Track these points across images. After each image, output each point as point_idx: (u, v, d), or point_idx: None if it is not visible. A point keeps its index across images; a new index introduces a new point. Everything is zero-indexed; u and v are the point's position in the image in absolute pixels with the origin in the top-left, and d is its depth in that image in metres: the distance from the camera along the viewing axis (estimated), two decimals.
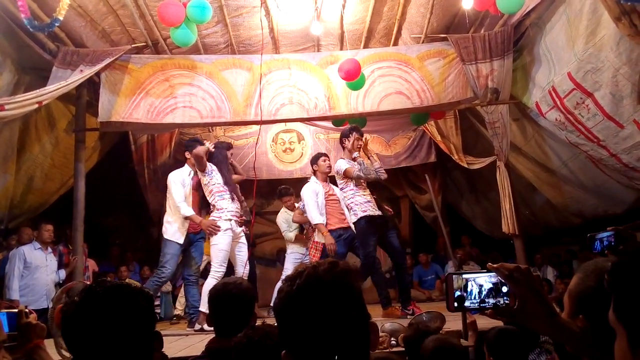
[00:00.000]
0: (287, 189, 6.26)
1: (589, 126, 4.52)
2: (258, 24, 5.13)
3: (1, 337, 1.58)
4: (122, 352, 1.10)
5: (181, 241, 4.85)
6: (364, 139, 5.15)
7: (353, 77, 4.95)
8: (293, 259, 5.91)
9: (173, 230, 4.85)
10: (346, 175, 4.95)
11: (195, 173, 4.94)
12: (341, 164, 5.00)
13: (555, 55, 4.73)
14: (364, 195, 4.95)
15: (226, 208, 4.70)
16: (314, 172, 5.39)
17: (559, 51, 4.67)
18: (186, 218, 4.80)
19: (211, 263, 4.66)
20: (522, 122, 5.76)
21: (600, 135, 4.50)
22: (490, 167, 5.89)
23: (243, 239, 4.90)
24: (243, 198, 6.08)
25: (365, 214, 4.84)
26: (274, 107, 5.30)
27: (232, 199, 4.78)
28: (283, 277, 6.16)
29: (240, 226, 4.85)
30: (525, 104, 5.27)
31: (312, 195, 5.19)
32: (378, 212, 4.94)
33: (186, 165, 5.08)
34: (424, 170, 7.74)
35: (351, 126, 5.27)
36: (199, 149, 4.69)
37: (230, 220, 4.68)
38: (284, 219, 6.12)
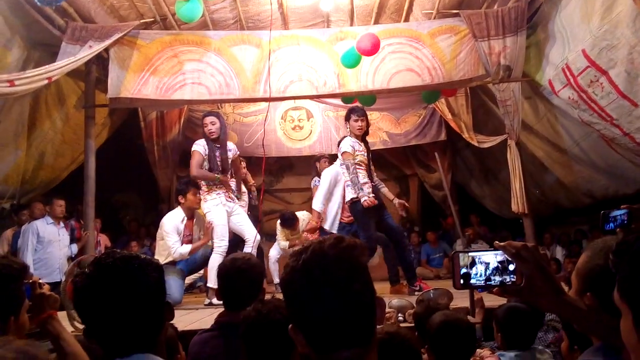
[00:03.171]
0: (292, 218, 6.16)
1: (603, 105, 4.44)
2: (267, 0, 5.07)
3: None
4: (133, 322, 1.12)
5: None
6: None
7: (374, 51, 4.88)
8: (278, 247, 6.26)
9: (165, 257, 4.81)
10: (342, 156, 4.78)
11: (189, 218, 4.87)
12: (344, 144, 4.80)
13: (570, 31, 4.63)
14: (364, 176, 4.72)
15: (210, 187, 4.68)
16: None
17: (573, 28, 4.57)
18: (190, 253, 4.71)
19: (212, 240, 4.69)
20: (534, 100, 5.68)
21: (613, 114, 4.43)
22: (501, 146, 5.84)
23: (239, 209, 4.90)
24: (253, 182, 6.15)
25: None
26: (283, 84, 5.26)
27: (218, 186, 4.72)
28: (272, 260, 6.26)
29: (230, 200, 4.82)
30: (537, 82, 5.19)
31: (330, 180, 5.18)
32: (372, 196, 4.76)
33: (179, 209, 4.89)
34: (433, 149, 7.69)
35: (350, 108, 5.10)
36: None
37: (219, 195, 4.65)
38: (283, 238, 6.24)
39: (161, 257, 4.71)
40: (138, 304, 1.13)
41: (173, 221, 4.79)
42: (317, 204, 5.25)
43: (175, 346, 1.95)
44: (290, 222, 6.13)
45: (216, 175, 4.66)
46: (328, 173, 5.34)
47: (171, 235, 4.72)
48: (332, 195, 5.32)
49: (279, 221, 6.28)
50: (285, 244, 6.15)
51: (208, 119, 4.79)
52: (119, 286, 1.13)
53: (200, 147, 4.70)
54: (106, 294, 1.12)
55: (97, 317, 1.13)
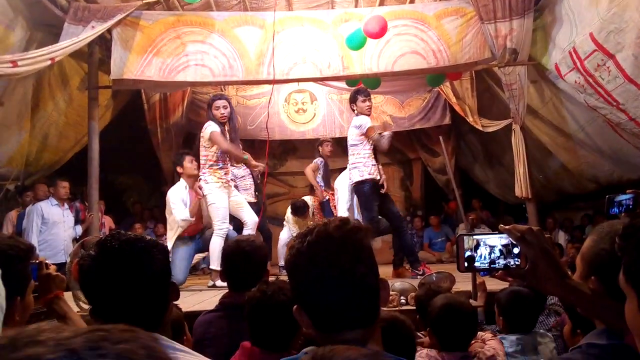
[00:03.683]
0: (303, 206, 6.20)
1: (609, 89, 4.40)
2: None
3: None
4: (139, 303, 1.13)
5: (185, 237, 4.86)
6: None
7: (382, 33, 4.84)
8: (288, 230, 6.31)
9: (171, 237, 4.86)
10: (367, 133, 4.78)
11: (192, 187, 4.87)
12: (367, 120, 4.82)
13: (578, 15, 4.57)
14: (372, 157, 4.83)
15: (213, 171, 4.67)
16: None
17: (581, 10, 4.50)
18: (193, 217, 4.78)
19: (213, 222, 4.71)
20: (540, 84, 5.63)
21: (620, 99, 4.39)
22: (505, 130, 5.81)
23: (236, 192, 4.97)
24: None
25: (371, 176, 4.75)
26: (287, 66, 5.22)
27: (222, 169, 4.71)
28: (281, 243, 6.31)
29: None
30: (544, 66, 5.14)
31: (349, 191, 5.19)
32: (378, 178, 4.83)
33: (181, 180, 4.93)
34: (437, 133, 7.65)
35: (355, 89, 5.15)
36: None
37: (219, 182, 4.66)
38: (295, 227, 6.27)
39: (171, 232, 4.79)
40: (144, 285, 1.14)
41: (177, 192, 4.84)
42: (341, 213, 5.31)
43: (182, 328, 1.97)
44: (301, 210, 6.18)
45: (244, 155, 4.73)
46: (343, 182, 5.36)
47: (177, 205, 4.77)
48: (353, 203, 5.35)
49: (289, 209, 6.31)
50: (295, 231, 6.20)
51: (220, 102, 4.73)
52: (125, 268, 1.13)
53: (214, 126, 4.64)
54: (112, 275, 1.13)
55: (104, 297, 1.14)
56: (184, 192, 4.84)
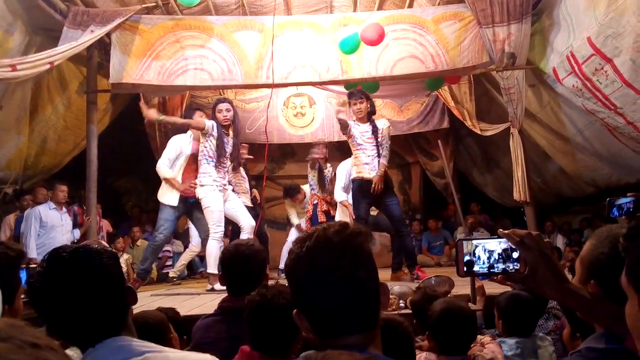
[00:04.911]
0: (294, 189, 6.38)
1: (607, 93, 4.42)
2: None
3: None
4: (95, 312, 1.11)
5: (175, 204, 4.96)
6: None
7: (379, 40, 4.88)
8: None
9: (165, 193, 5.00)
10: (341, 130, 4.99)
11: (196, 139, 5.00)
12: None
13: (576, 19, 4.59)
14: (367, 156, 4.79)
15: (208, 173, 4.68)
16: None
17: (579, 15, 4.52)
18: (164, 179, 4.99)
19: (208, 225, 4.70)
20: (538, 88, 5.65)
21: (617, 103, 4.41)
22: (504, 134, 5.82)
23: (233, 195, 5.01)
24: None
25: (359, 175, 4.78)
26: (286, 70, 5.22)
27: (217, 168, 4.70)
28: (288, 246, 6.43)
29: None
30: (542, 70, 5.15)
31: (346, 174, 5.33)
32: (369, 177, 4.73)
33: (189, 131, 5.17)
34: (436, 137, 7.68)
35: (348, 92, 5.17)
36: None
37: (213, 184, 4.66)
38: (293, 212, 6.44)
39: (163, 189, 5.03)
40: (98, 294, 1.12)
41: (178, 140, 5.11)
42: (338, 196, 5.44)
43: (166, 328, 1.95)
44: (292, 191, 6.37)
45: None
46: (343, 168, 5.45)
47: (168, 153, 5.03)
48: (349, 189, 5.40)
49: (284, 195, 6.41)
50: (296, 221, 6.29)
51: (223, 105, 4.81)
52: (77, 278, 1.11)
53: (209, 122, 4.75)
54: (66, 288, 1.10)
55: (61, 313, 1.11)
56: (185, 141, 5.07)
